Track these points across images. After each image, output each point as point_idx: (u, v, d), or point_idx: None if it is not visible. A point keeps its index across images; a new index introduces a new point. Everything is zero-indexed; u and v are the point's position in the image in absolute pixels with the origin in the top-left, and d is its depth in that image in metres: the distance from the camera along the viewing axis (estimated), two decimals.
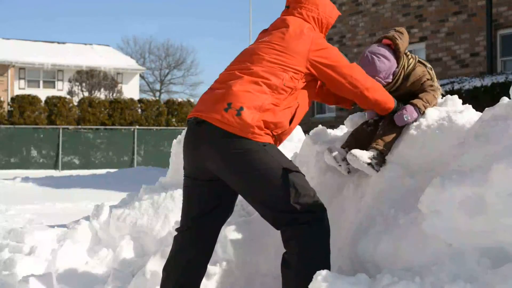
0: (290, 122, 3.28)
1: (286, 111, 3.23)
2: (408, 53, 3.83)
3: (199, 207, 3.33)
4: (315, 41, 3.30)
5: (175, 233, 3.47)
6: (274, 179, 3.10)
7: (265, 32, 3.47)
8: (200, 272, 3.41)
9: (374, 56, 3.68)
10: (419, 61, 3.81)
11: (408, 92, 3.74)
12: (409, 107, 3.59)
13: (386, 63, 3.67)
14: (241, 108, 3.09)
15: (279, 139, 3.30)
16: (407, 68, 3.73)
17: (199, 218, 3.33)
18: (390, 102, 3.57)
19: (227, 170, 3.15)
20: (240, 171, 3.12)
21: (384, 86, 3.71)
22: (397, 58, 3.72)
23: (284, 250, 3.17)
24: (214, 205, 3.33)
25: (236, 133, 3.09)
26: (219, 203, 3.33)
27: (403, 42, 3.73)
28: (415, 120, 3.60)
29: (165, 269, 3.41)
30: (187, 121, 3.32)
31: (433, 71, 3.82)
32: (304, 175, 3.25)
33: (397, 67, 3.71)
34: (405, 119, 3.57)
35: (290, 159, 4.46)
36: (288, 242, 3.14)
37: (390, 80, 3.71)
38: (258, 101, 3.13)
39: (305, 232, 3.10)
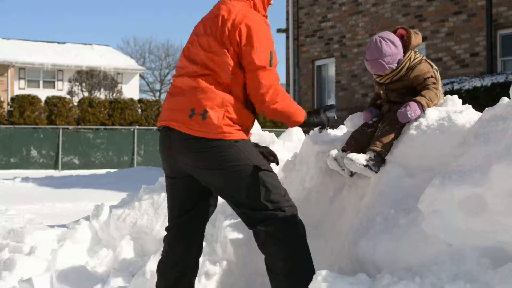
0: (254, 112, 3.31)
1: (243, 102, 3.24)
2: (417, 51, 3.87)
3: (181, 205, 3.38)
4: (243, 24, 3.21)
5: None
6: (244, 176, 3.15)
7: (204, 22, 3.39)
8: (192, 269, 3.45)
9: (382, 40, 3.73)
10: (425, 60, 3.84)
11: (409, 85, 3.75)
12: (412, 104, 3.60)
13: (393, 48, 3.71)
14: (205, 111, 3.14)
15: (247, 130, 3.32)
16: (413, 60, 3.77)
17: (183, 215, 3.38)
18: (293, 108, 3.31)
19: (199, 168, 3.21)
20: (211, 168, 3.18)
21: (387, 74, 3.75)
22: (406, 49, 3.77)
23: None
24: (196, 201, 3.37)
25: (206, 136, 3.14)
26: (200, 198, 3.38)
27: (416, 38, 3.80)
28: (418, 118, 3.61)
29: (157, 269, 3.46)
30: (157, 129, 3.38)
31: (438, 73, 3.84)
32: (276, 174, 3.29)
33: (403, 57, 3.75)
34: (409, 116, 3.58)
35: (289, 158, 4.47)
36: (264, 246, 3.19)
37: (394, 67, 3.73)
38: (218, 98, 3.16)
39: (280, 233, 3.15)
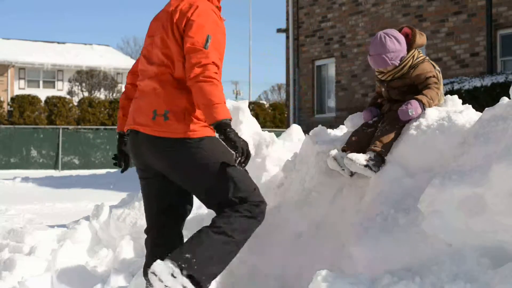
0: None
1: None
2: (420, 50, 3.89)
3: (157, 205, 3.39)
4: (190, 12, 3.20)
5: None
6: (212, 174, 3.16)
7: (157, 20, 3.38)
8: None
9: (386, 36, 3.76)
10: (428, 60, 3.86)
11: (411, 83, 3.76)
12: (414, 102, 3.61)
13: (396, 45, 3.73)
14: (166, 112, 3.16)
15: None
16: (416, 59, 3.78)
17: (160, 215, 3.39)
18: (218, 99, 3.07)
19: (169, 168, 3.23)
20: (180, 167, 3.20)
21: (389, 70, 3.77)
22: (409, 48, 3.79)
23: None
24: (171, 200, 3.38)
25: (171, 136, 3.16)
26: (175, 197, 3.38)
27: (420, 38, 3.82)
28: (419, 116, 3.62)
29: (144, 274, 3.45)
30: (127, 133, 3.39)
31: (440, 74, 3.85)
32: (246, 171, 3.26)
33: (407, 54, 3.77)
34: (410, 113, 3.59)
35: (289, 158, 4.46)
36: (218, 217, 3.18)
37: (397, 64, 3.75)
38: (177, 98, 3.18)
39: (239, 217, 3.16)
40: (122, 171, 3.59)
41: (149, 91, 3.25)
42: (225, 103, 3.10)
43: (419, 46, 3.83)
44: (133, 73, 3.52)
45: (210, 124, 3.09)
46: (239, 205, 3.16)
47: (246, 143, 3.12)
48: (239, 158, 3.08)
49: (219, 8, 3.36)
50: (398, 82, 3.79)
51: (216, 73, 3.10)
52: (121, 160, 3.54)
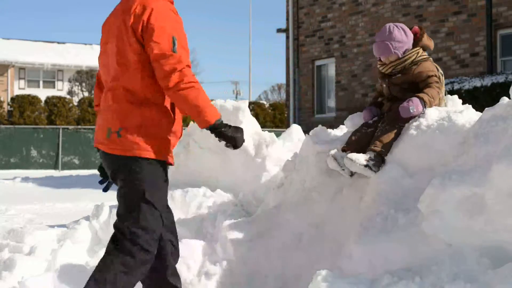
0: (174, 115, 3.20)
1: (160, 107, 3.15)
2: (425, 52, 3.92)
3: None
4: (145, 14, 3.08)
5: None
6: (131, 195, 3.14)
7: (110, 26, 3.26)
8: (165, 267, 3.38)
9: (395, 26, 3.81)
10: (432, 61, 3.88)
11: (412, 80, 3.78)
12: (415, 100, 3.62)
13: (403, 36, 3.79)
14: (120, 129, 3.09)
15: (176, 135, 3.24)
16: (419, 56, 3.81)
17: None
18: (205, 102, 3.05)
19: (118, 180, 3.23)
20: (121, 179, 3.19)
21: (391, 61, 3.80)
22: (415, 45, 3.83)
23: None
24: None
25: (123, 154, 3.10)
26: None
27: (428, 39, 3.88)
28: (419, 116, 3.62)
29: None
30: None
31: (443, 77, 3.87)
32: (160, 218, 3.18)
33: (411, 49, 3.81)
34: (411, 110, 3.60)
35: (289, 158, 4.46)
36: (108, 255, 3.16)
37: (400, 55, 3.79)
38: (131, 114, 3.10)
39: (123, 262, 3.11)
40: (102, 184, 3.57)
41: (106, 107, 3.18)
42: (210, 103, 3.08)
43: (425, 46, 3.87)
44: (101, 89, 3.41)
45: (203, 128, 3.08)
46: (121, 254, 3.10)
47: (241, 132, 3.15)
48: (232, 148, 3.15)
49: (171, 2, 3.25)
50: (400, 78, 3.81)
51: (193, 75, 3.06)
52: (105, 177, 3.51)
